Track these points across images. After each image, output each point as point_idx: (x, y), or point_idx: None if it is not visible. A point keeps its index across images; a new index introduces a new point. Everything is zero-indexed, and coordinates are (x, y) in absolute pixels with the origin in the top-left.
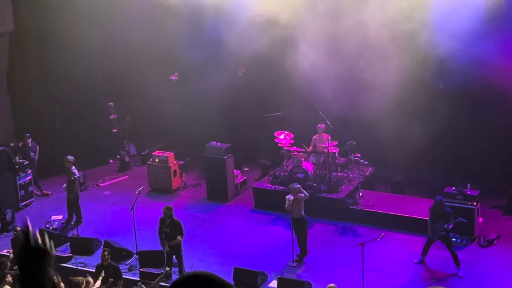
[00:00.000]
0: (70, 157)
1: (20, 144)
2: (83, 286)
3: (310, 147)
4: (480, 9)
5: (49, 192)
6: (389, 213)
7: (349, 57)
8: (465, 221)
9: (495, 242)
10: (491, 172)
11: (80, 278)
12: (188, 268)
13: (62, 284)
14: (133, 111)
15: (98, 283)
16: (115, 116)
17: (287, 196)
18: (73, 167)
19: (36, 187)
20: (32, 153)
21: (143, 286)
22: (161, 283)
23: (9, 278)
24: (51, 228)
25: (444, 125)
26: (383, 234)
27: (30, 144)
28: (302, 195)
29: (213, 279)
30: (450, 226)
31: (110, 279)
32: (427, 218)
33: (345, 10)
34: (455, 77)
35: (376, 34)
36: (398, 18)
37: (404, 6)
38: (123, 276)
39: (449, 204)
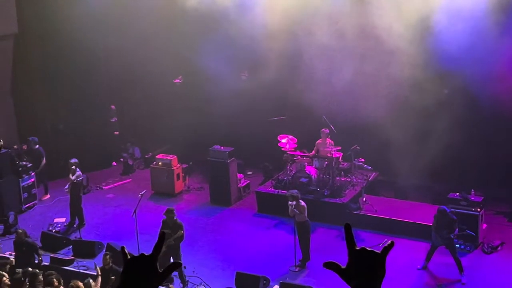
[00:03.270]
0: (74, 160)
1: (24, 147)
2: None
3: (313, 151)
4: (486, 13)
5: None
6: (393, 218)
7: (353, 62)
8: (474, 234)
9: (499, 248)
10: (496, 178)
11: (76, 282)
12: (189, 272)
13: None
14: (137, 114)
15: (98, 282)
16: (116, 119)
17: (290, 202)
18: (78, 170)
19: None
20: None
21: None
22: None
23: (5, 281)
24: (54, 230)
25: (448, 130)
26: (386, 239)
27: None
28: (304, 204)
29: None
30: (455, 234)
31: (112, 276)
32: (431, 224)
33: (349, 15)
34: (460, 83)
35: (380, 39)
36: (403, 24)
37: (409, 13)
38: None
39: (452, 210)
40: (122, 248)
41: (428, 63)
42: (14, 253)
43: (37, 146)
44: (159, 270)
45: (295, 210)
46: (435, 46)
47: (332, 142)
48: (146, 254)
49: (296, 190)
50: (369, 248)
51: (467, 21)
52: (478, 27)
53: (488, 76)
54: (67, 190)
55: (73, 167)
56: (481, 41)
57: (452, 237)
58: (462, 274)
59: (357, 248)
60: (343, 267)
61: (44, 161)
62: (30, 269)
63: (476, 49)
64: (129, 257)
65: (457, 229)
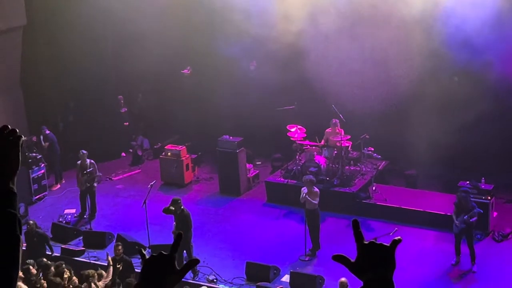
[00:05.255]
0: (83, 151)
1: (34, 138)
2: (95, 279)
3: (323, 141)
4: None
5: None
6: (402, 207)
7: (363, 51)
8: (481, 211)
9: (509, 236)
10: (506, 166)
11: (91, 271)
12: (200, 262)
13: (74, 278)
14: (146, 104)
15: (110, 272)
16: (126, 109)
17: (303, 189)
18: (88, 160)
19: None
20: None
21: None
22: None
23: (20, 274)
24: (64, 222)
25: (458, 119)
26: (396, 228)
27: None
28: (317, 190)
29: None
30: (473, 219)
31: (119, 265)
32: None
33: (360, 3)
34: (470, 71)
35: (390, 28)
36: (414, 11)
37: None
38: (136, 270)
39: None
40: (140, 250)
41: (439, 50)
42: (25, 244)
43: (48, 132)
44: (177, 268)
45: (307, 197)
46: (447, 33)
47: (342, 131)
48: (164, 254)
49: (312, 176)
50: (377, 241)
51: (487, 8)
52: (497, 14)
53: (503, 63)
54: (78, 181)
55: (83, 158)
56: (499, 28)
57: (472, 221)
58: (473, 264)
59: (366, 242)
60: (352, 260)
61: (47, 144)
62: (45, 260)
63: (490, 34)
64: (147, 257)
65: (475, 217)
